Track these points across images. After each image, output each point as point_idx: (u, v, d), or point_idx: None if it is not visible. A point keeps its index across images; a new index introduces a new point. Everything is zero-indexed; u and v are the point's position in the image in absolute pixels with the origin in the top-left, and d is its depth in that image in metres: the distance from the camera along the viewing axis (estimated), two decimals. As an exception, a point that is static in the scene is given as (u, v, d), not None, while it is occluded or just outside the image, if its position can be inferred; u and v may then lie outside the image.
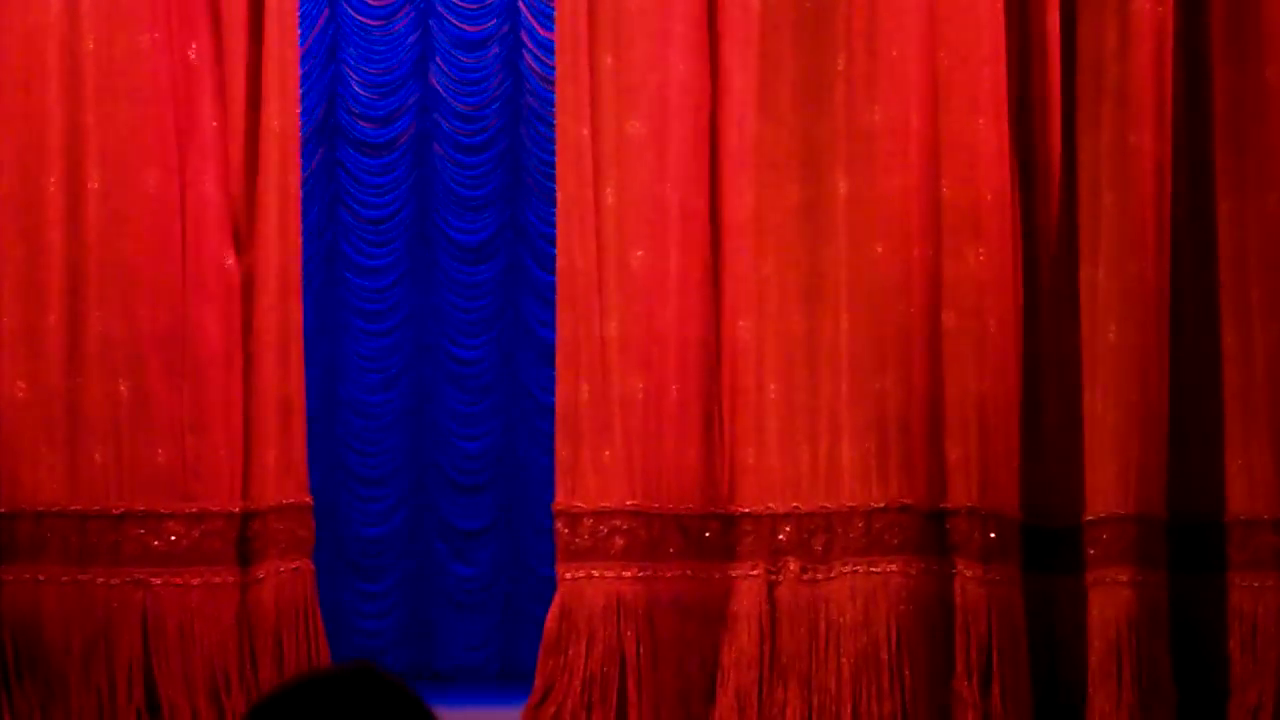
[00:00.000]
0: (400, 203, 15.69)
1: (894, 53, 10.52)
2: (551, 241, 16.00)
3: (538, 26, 15.94)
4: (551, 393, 15.95)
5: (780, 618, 10.50)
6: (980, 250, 10.46)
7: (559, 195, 10.95)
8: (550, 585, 15.81)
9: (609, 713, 10.46)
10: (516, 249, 15.85)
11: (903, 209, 10.47)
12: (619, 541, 10.56)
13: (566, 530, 10.68)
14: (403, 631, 15.43)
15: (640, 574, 10.51)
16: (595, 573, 10.58)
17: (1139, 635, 10.40)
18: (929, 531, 10.39)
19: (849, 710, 10.29)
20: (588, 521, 10.62)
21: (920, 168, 10.49)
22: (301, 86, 15.58)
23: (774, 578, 10.55)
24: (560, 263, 10.90)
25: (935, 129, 10.50)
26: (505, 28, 15.86)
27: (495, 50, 15.82)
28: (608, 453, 10.61)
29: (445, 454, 15.61)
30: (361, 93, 15.65)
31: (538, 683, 10.74)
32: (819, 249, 10.62)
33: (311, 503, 10.96)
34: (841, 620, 10.35)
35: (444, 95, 15.75)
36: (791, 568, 10.51)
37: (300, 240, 11.14)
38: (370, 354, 15.57)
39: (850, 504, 10.43)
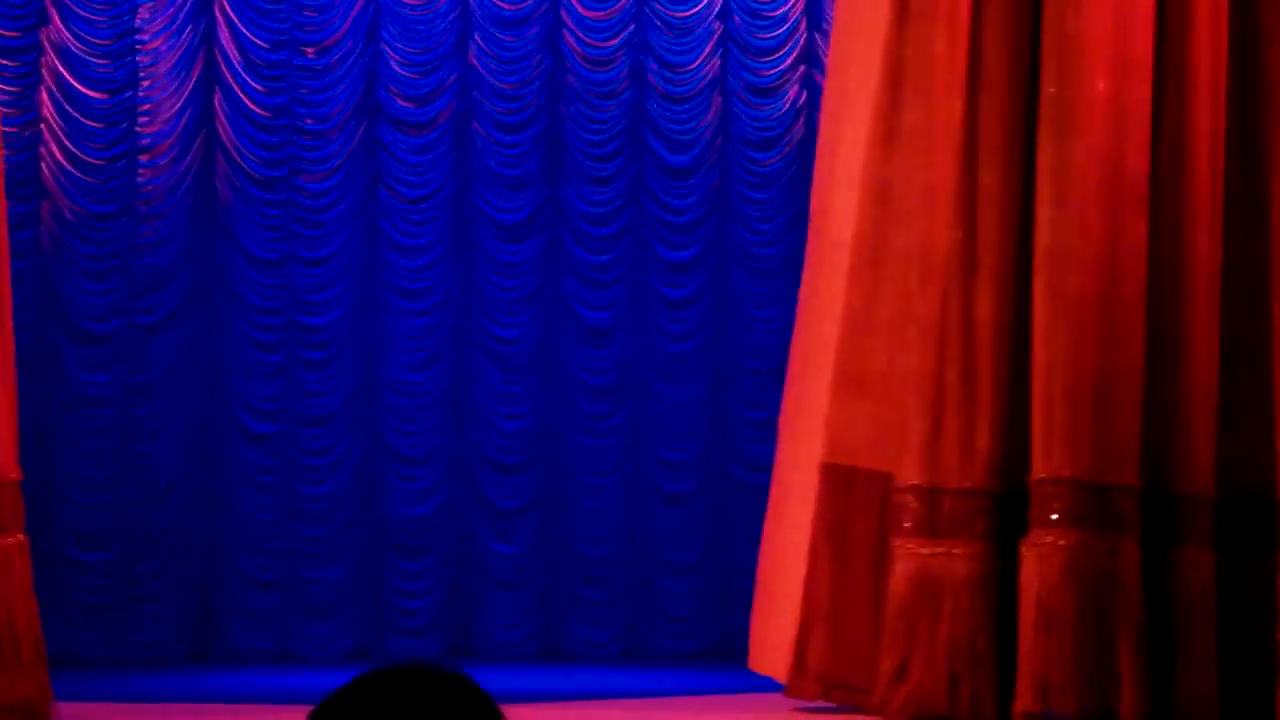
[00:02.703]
0: (440, 181, 15.70)
1: (1084, 22, 10.52)
2: (589, 220, 16.03)
3: (578, 5, 15.93)
4: (590, 371, 16.02)
5: (1027, 590, 10.55)
6: (1146, 220, 10.47)
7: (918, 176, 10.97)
8: (588, 563, 15.88)
9: (964, 689, 10.45)
10: (556, 228, 15.85)
11: (1085, 176, 10.45)
12: (982, 521, 10.56)
13: (925, 507, 10.61)
14: (443, 610, 15.46)
15: (987, 551, 10.52)
16: (957, 550, 10.54)
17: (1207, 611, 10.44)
18: (1091, 504, 10.37)
19: (1035, 683, 10.28)
20: (948, 499, 10.59)
21: (1105, 134, 10.47)
22: (341, 66, 15.65)
23: (1035, 549, 10.56)
24: (922, 241, 10.83)
25: (1120, 96, 10.49)
26: (545, 6, 15.85)
27: (535, 29, 15.82)
28: (967, 432, 10.58)
29: (485, 433, 15.63)
30: (401, 71, 15.66)
31: (893, 658, 10.66)
32: (1025, 220, 10.66)
33: (19, 479, 10.99)
34: (1028, 594, 10.39)
35: (484, 74, 15.75)
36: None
37: (5, 215, 10.92)
38: (410, 333, 15.59)
39: (1024, 477, 10.49)
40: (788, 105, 16.15)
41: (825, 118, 11.88)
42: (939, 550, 10.51)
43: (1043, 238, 10.50)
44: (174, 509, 15.02)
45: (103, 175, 15.06)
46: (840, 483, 10.88)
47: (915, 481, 10.57)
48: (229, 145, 15.31)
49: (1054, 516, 10.34)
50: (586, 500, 15.71)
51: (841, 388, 10.88)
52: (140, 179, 15.15)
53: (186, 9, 15.18)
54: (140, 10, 15.14)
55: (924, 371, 10.63)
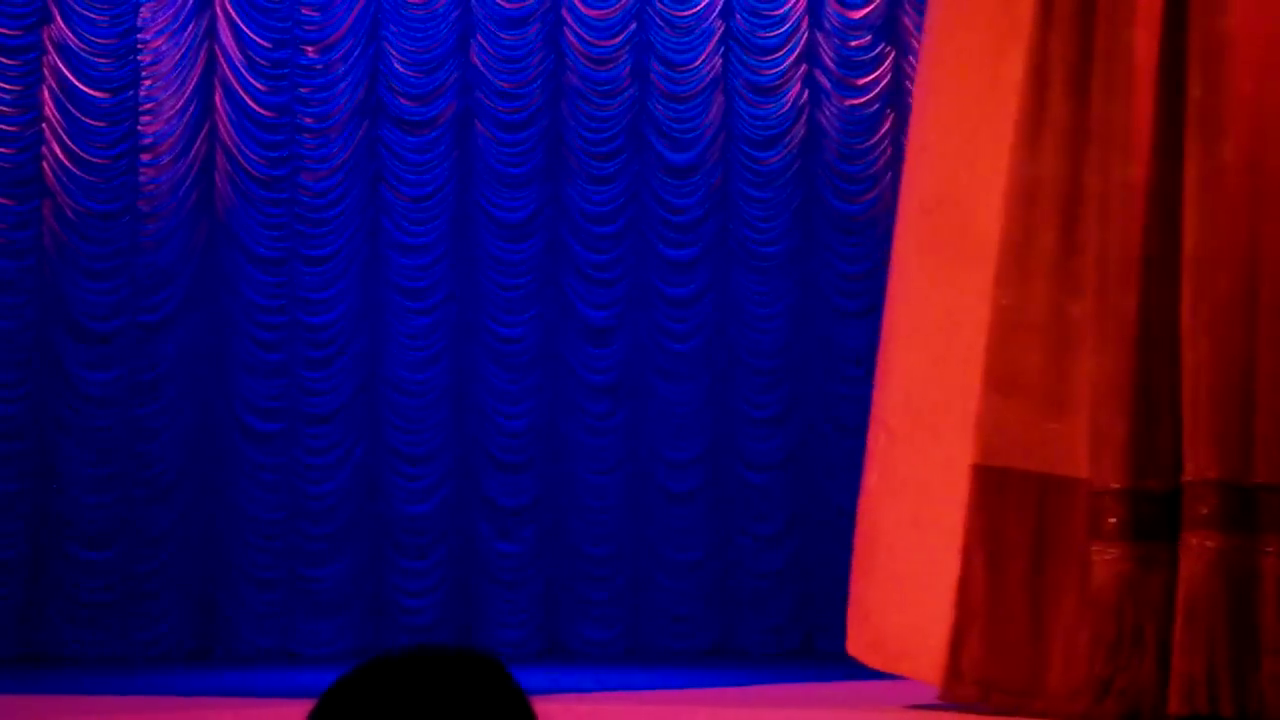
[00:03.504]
0: (441, 180, 15.71)
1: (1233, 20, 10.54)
2: (591, 218, 16.04)
3: (579, 4, 15.94)
4: (592, 370, 16.04)
5: (1181, 594, 10.52)
6: None
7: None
8: (589, 562, 15.89)
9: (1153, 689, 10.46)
10: (558, 226, 15.87)
11: (1233, 178, 10.45)
12: (1173, 523, 10.52)
13: (1127, 510, 10.54)
14: (445, 609, 15.47)
15: (1174, 553, 10.50)
16: (1159, 554, 10.42)
17: None
18: (1238, 506, 10.35)
19: (1184, 686, 10.27)
20: (1149, 503, 10.52)
21: (1252, 136, 10.46)
22: (343, 65, 15.66)
23: (1185, 550, 10.54)
24: (1120, 240, 10.78)
25: (1266, 97, 10.50)
26: (546, 5, 15.86)
27: (537, 28, 15.83)
28: (1166, 435, 10.52)
29: (487, 432, 15.64)
30: (403, 70, 15.68)
31: (1103, 663, 10.45)
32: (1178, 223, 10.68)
33: None
34: (1178, 596, 10.39)
35: (485, 73, 15.76)
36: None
37: None
38: (412, 331, 15.61)
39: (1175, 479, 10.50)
40: (789, 104, 16.16)
41: (932, 109, 11.68)
42: (1142, 554, 10.36)
43: (1190, 238, 10.44)
44: (176, 508, 15.03)
45: (104, 174, 15.07)
46: (994, 485, 10.69)
47: (1116, 485, 10.40)
48: (230, 144, 15.32)
49: (1202, 518, 10.28)
50: (588, 499, 15.72)
51: (993, 388, 10.70)
52: (142, 178, 15.16)
53: (188, 8, 15.19)
54: (142, 9, 15.15)
55: (1122, 373, 10.47)
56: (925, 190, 11.47)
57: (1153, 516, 10.45)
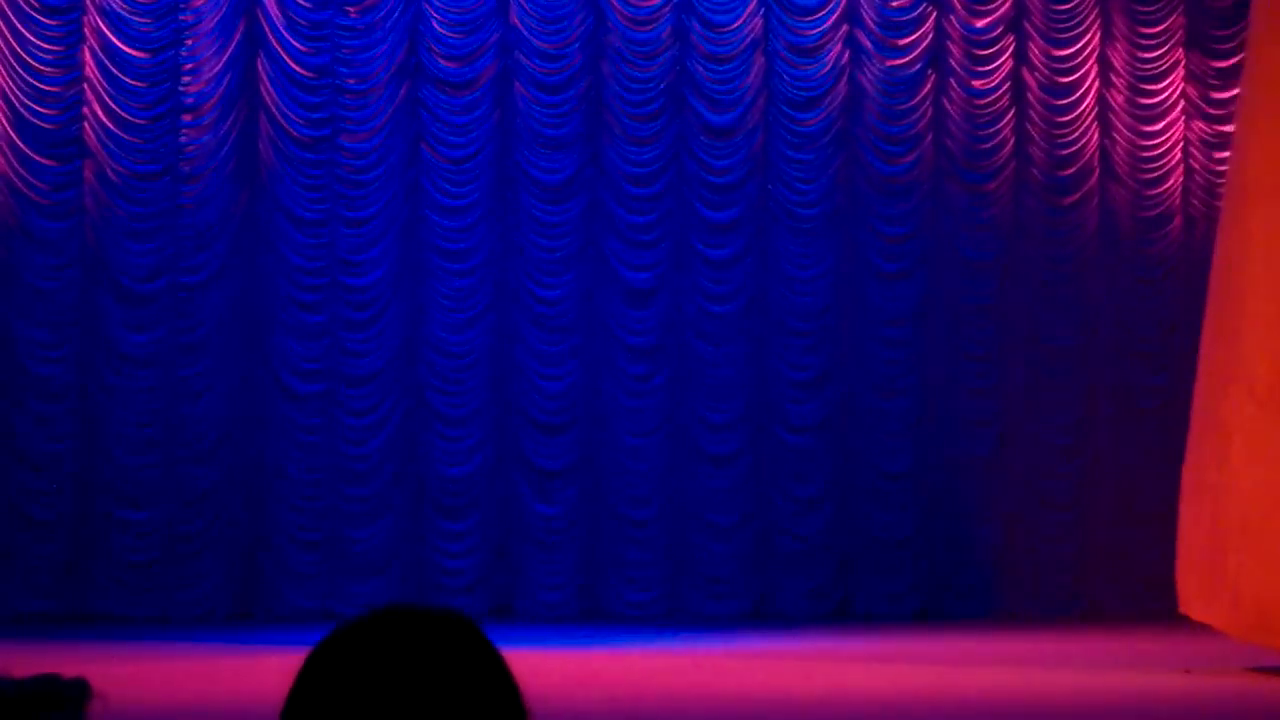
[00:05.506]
0: (482, 141, 15.70)
1: None
2: (631, 180, 16.01)
3: (619, -36, 15.90)
4: (631, 332, 16.02)
5: None
6: None
7: None
8: (629, 524, 15.90)
9: None
10: (597, 188, 15.85)
11: None
12: None
13: None
14: (485, 570, 15.51)
15: None
16: None
17: None
18: None
19: None
20: None
21: None
22: (383, 25, 15.65)
23: None
24: None
25: None
26: (587, -34, 15.84)
27: (577, -12, 15.80)
28: None
29: (527, 393, 15.66)
30: (443, 31, 15.66)
31: None
32: None
33: None
34: None
35: (525, 34, 15.73)
36: None
37: None
38: (452, 293, 15.62)
39: None
40: (830, 65, 16.09)
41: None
42: None
43: None
44: (218, 469, 15.08)
45: (145, 135, 15.09)
46: None
47: None
48: (271, 105, 15.32)
49: None
50: (627, 461, 15.72)
51: None
52: (183, 139, 15.18)
53: (229, -31, 15.19)
54: (183, -30, 15.16)
55: None
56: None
57: None
